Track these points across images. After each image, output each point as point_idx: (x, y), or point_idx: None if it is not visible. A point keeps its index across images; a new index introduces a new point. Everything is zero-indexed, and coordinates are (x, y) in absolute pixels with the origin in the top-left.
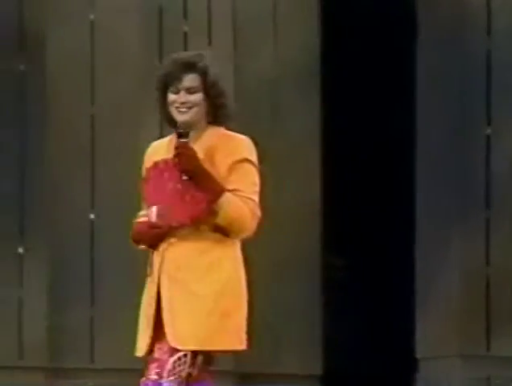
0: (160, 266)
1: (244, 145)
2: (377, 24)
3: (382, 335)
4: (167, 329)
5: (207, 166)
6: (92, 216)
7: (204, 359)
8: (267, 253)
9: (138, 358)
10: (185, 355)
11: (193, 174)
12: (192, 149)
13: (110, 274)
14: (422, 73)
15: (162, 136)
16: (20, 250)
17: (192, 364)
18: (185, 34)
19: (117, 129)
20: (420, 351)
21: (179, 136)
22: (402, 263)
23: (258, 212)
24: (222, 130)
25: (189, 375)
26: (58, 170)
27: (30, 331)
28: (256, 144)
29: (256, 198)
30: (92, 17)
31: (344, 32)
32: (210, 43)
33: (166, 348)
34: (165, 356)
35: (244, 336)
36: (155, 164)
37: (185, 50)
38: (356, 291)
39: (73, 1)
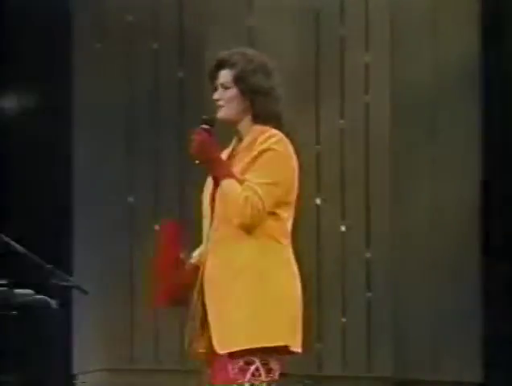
0: (204, 266)
1: (273, 137)
2: None
3: None
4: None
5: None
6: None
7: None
8: (426, 256)
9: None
10: (257, 369)
11: (201, 159)
12: (204, 135)
13: None
14: None
15: (318, 136)
16: None
17: (268, 370)
18: (342, 38)
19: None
20: None
21: (203, 122)
22: None
23: (258, 203)
24: (262, 128)
25: (276, 378)
26: None
27: None
28: (415, 146)
29: (262, 189)
30: (249, 22)
31: (505, 33)
32: (367, 46)
33: (234, 366)
34: (239, 376)
35: (288, 335)
36: None
37: (342, 54)
38: None
39: (231, 7)
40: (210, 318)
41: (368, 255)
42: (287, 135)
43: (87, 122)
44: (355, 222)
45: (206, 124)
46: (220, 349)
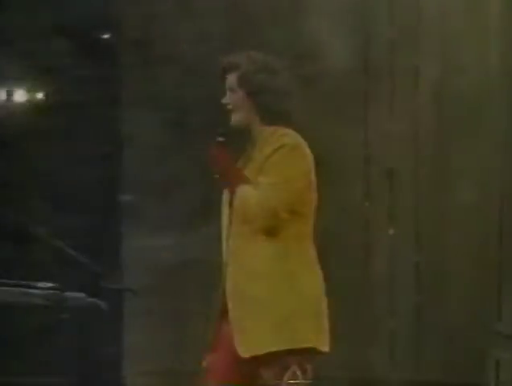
0: (226, 269)
1: (284, 136)
2: None
3: None
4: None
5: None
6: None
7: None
8: (476, 257)
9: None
10: (294, 373)
11: (218, 173)
12: (217, 150)
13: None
14: None
15: (366, 139)
16: None
17: (304, 371)
18: (391, 40)
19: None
20: None
21: (218, 134)
22: None
23: (271, 205)
24: (272, 129)
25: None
26: None
27: None
28: (463, 149)
29: (274, 191)
30: (298, 24)
31: None
32: (417, 50)
33: (270, 370)
34: (276, 380)
35: (314, 335)
36: None
37: (391, 58)
38: None
39: (280, 9)
40: (232, 321)
41: (417, 258)
42: (300, 133)
43: (136, 122)
44: (403, 225)
45: (220, 134)
46: (245, 353)
